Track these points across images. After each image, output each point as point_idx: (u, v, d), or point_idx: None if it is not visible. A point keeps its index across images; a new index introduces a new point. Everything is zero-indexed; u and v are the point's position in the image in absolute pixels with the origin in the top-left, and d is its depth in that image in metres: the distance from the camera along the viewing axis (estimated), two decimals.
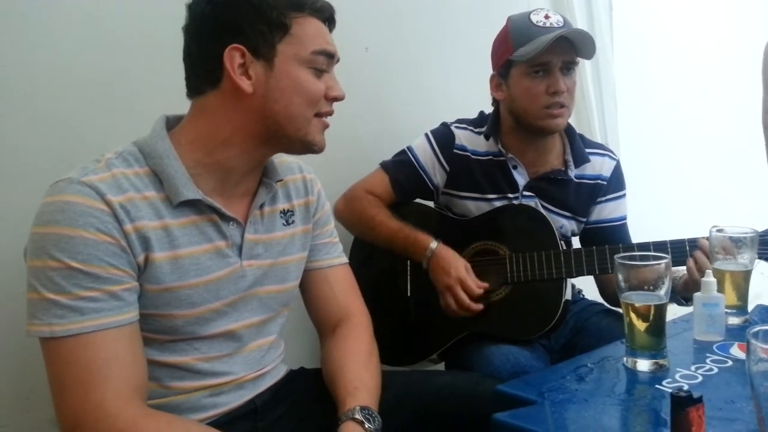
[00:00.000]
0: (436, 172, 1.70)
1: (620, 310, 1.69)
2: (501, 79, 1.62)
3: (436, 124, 1.78)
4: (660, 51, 2.45)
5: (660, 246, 1.44)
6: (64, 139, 1.34)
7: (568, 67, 1.57)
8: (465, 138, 1.70)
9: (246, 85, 1.02)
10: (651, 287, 1.02)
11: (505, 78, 1.60)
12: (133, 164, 1.01)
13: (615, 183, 1.71)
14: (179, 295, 1.01)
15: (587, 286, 1.83)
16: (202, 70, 1.04)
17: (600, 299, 1.79)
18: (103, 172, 0.97)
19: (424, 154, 1.71)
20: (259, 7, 1.02)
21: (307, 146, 1.09)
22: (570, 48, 1.53)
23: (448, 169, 1.69)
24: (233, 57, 1.01)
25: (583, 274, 1.53)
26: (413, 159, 1.71)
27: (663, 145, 2.50)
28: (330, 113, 1.11)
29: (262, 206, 1.14)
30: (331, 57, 1.08)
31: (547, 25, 1.53)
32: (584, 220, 1.70)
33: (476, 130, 1.70)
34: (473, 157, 1.68)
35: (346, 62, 1.86)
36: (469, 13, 2.21)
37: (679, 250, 1.42)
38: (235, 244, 1.08)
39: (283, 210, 1.19)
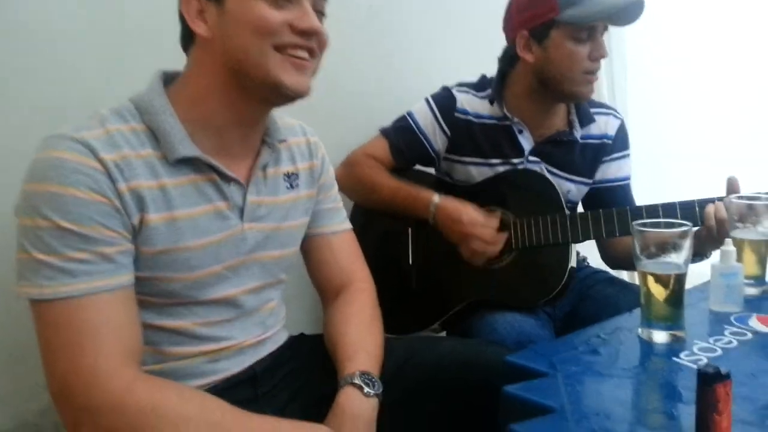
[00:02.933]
0: (437, 137, 1.65)
1: (623, 276, 1.70)
2: (534, 40, 1.51)
3: (444, 79, 1.72)
4: (675, 8, 2.36)
5: (668, 208, 1.38)
6: (64, 90, 1.28)
7: (603, 32, 1.51)
8: (467, 101, 1.64)
9: (202, 29, 0.97)
10: (670, 255, 0.98)
11: (541, 39, 1.50)
12: (129, 120, 0.96)
13: (620, 142, 1.67)
14: (176, 258, 0.97)
15: (592, 254, 1.79)
16: (181, 27, 1.02)
17: (604, 267, 1.76)
18: (96, 129, 0.92)
19: (425, 119, 1.65)
20: None
21: (275, 87, 0.97)
22: None
23: (449, 133, 1.64)
24: (189, 3, 0.97)
25: (590, 239, 1.49)
26: (413, 124, 1.65)
27: (675, 109, 2.42)
28: (298, 46, 0.97)
29: (265, 167, 1.09)
30: None
31: None
32: (591, 181, 1.66)
33: (479, 94, 1.64)
34: (475, 120, 1.63)
35: (349, 20, 1.83)
36: None
37: (689, 212, 1.38)
38: (236, 206, 1.03)
39: (287, 173, 1.14)
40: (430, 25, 2.05)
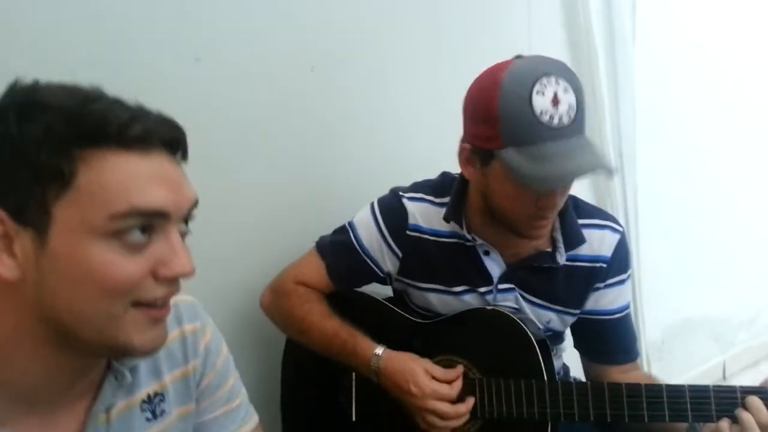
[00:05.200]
0: (385, 258, 1.30)
1: None
2: (476, 157, 1.13)
3: (397, 166, 1.36)
4: (688, 53, 1.96)
5: (698, 392, 1.05)
6: None
7: None
8: (420, 214, 1.28)
9: (6, 268, 0.61)
10: None
11: (483, 162, 1.12)
12: None
13: (618, 264, 1.27)
14: None
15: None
16: None
17: None
18: None
19: (369, 235, 1.30)
20: (20, 143, 0.61)
21: (121, 351, 0.68)
22: None
23: (400, 254, 1.29)
24: None
25: (574, 420, 1.15)
26: (355, 241, 1.30)
27: (690, 158, 2.02)
28: (163, 298, 0.67)
29: (109, 409, 0.75)
30: (158, 216, 0.65)
31: (554, 122, 1.02)
32: (578, 311, 1.29)
33: (437, 200, 1.28)
34: (431, 239, 1.27)
35: (289, 85, 1.46)
36: (450, 36, 1.72)
37: (726, 403, 1.04)
38: None
39: (147, 397, 0.80)
40: (392, 92, 1.67)
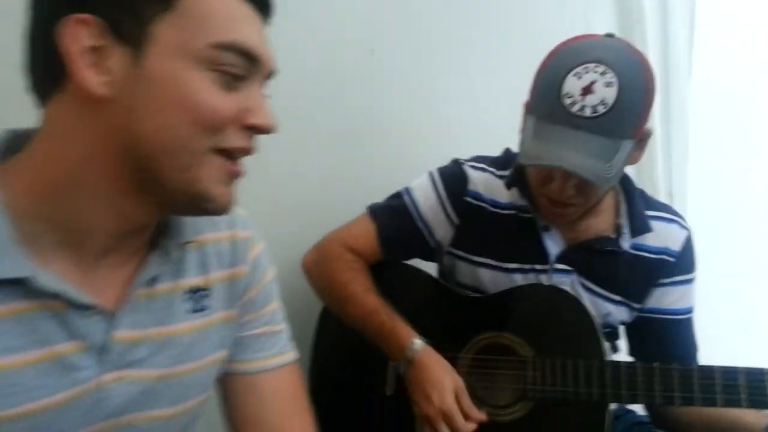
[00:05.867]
0: (439, 226, 1.24)
1: None
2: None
3: (453, 148, 1.32)
4: (754, 83, 1.93)
5: (755, 377, 0.96)
6: None
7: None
8: (482, 183, 1.23)
9: (96, 82, 0.58)
10: None
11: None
12: None
13: (686, 261, 1.20)
14: None
15: None
16: (39, 57, 0.62)
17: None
18: None
19: (427, 200, 1.24)
20: None
21: (197, 201, 0.65)
22: None
23: (456, 221, 1.23)
24: (77, 34, 0.58)
25: (636, 402, 1.06)
26: (412, 205, 1.25)
27: (748, 207, 1.96)
28: (245, 151, 0.66)
29: (153, 282, 0.70)
30: (252, 60, 0.63)
31: (574, 108, 0.98)
32: (638, 306, 1.21)
33: (498, 173, 1.24)
34: (491, 209, 1.22)
35: (347, 66, 1.44)
36: (509, 18, 1.72)
37: None
38: (93, 347, 0.65)
39: (193, 288, 0.75)
40: (447, 74, 1.65)
